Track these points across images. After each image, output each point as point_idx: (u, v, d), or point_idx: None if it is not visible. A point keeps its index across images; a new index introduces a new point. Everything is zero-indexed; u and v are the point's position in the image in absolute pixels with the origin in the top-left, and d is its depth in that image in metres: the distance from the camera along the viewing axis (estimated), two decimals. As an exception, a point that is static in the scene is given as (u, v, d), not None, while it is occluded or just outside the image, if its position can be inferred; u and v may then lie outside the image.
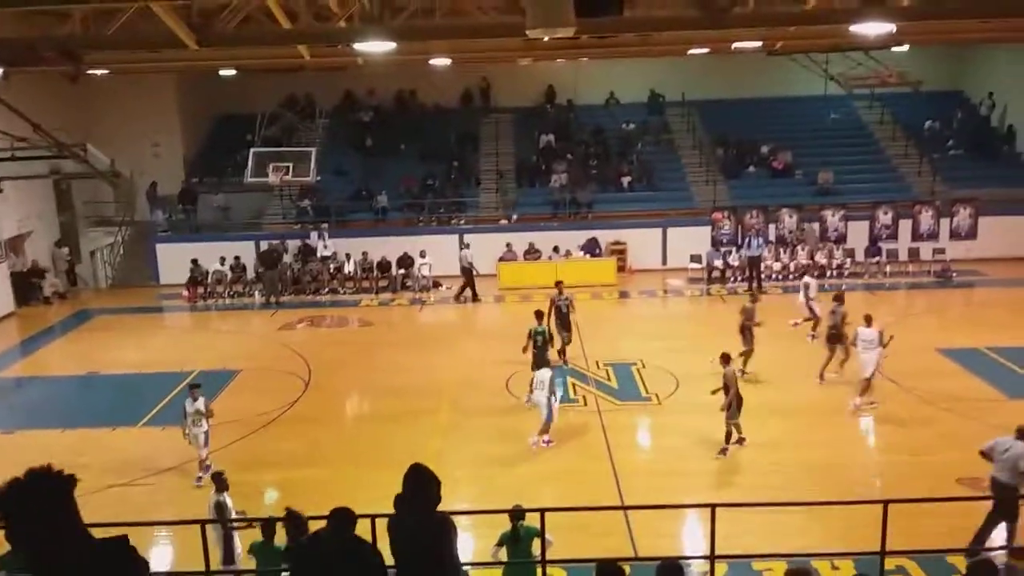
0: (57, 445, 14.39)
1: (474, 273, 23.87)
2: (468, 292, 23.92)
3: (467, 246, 24.63)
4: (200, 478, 12.47)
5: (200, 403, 12.62)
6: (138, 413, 15.78)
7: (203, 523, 8.01)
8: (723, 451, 13.13)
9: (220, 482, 9.93)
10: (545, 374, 13.85)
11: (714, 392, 13.45)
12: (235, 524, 9.51)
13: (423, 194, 28.09)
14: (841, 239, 26.04)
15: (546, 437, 13.64)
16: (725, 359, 13.37)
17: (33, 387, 18.66)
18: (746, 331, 16.39)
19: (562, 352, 17.55)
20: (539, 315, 16.15)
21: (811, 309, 18.74)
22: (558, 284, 18.04)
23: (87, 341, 21.80)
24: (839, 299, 16.35)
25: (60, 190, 26.94)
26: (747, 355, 16.33)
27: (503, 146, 30.64)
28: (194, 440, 12.65)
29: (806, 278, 19.70)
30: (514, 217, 27.21)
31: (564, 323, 17.58)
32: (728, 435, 13.22)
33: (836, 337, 15.92)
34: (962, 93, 31.56)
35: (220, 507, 9.67)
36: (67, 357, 20.67)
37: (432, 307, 23.96)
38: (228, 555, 9.37)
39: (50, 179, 25.05)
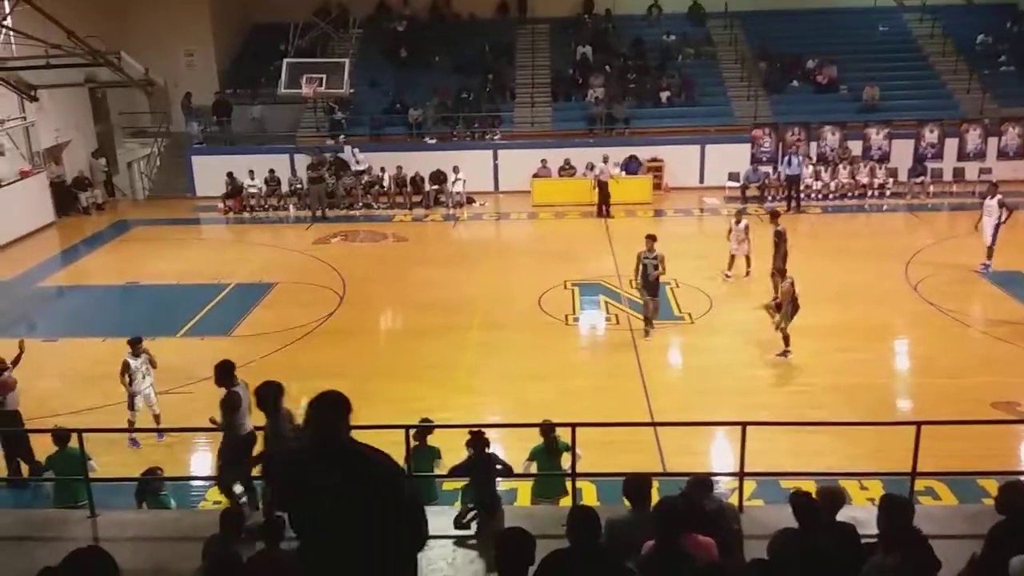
0: (99, 353, 14.74)
1: (609, 188, 23.36)
2: (605, 207, 23.42)
3: (605, 160, 24.00)
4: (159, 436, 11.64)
5: (143, 359, 11.68)
6: (177, 323, 16.08)
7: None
8: (784, 353, 13.66)
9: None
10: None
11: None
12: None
13: (458, 107, 27.71)
14: (884, 158, 25.40)
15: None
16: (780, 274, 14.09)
17: (75, 296, 19.04)
18: None
19: (647, 322, 14.94)
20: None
21: (993, 237, 17.25)
22: (649, 239, 14.61)
23: (126, 252, 22.11)
24: None
25: (96, 100, 26.96)
26: None
27: (539, 58, 29.99)
28: (146, 400, 11.77)
29: (999, 197, 17.32)
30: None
31: (649, 286, 14.60)
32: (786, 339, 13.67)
33: None
34: (1016, 6, 30.11)
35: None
36: (107, 267, 21.01)
37: (465, 223, 23.90)
38: None
39: (85, 88, 25.01)
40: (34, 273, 20.11)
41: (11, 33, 19.99)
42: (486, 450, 7.75)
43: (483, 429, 7.89)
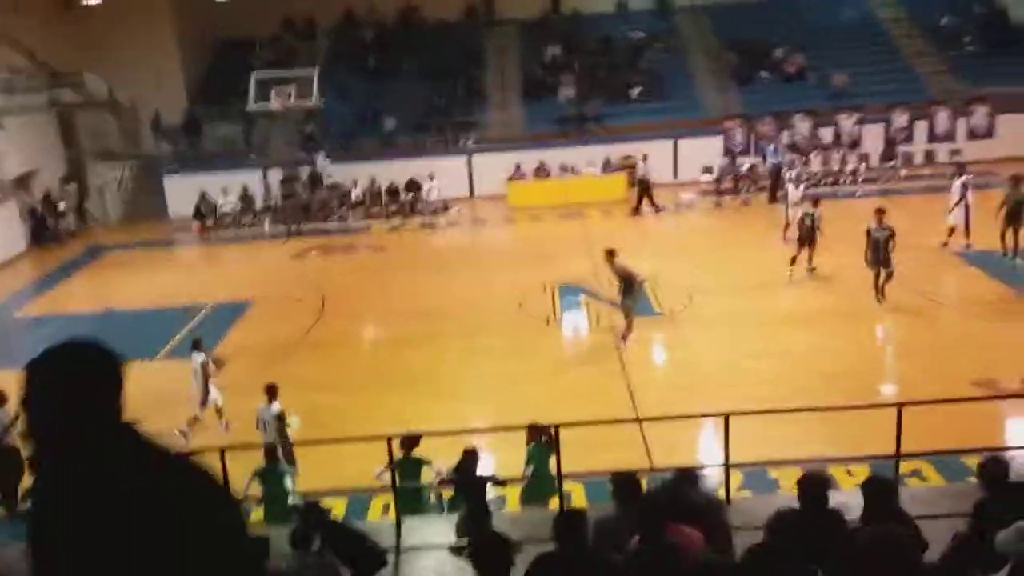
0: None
1: (651, 184, 23.46)
2: (647, 204, 23.32)
3: (645, 158, 24.01)
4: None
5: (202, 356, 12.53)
6: (156, 347, 15.94)
7: (222, 450, 8.10)
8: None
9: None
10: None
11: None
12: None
13: (429, 115, 27.65)
14: (855, 144, 25.56)
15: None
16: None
17: (51, 325, 18.77)
18: None
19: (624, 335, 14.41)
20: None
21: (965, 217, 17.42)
22: (609, 253, 14.39)
23: (101, 277, 21.92)
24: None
25: (64, 124, 26.71)
26: None
27: (509, 60, 30.02)
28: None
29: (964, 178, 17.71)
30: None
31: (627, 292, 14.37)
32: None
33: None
34: (981, -14, 30.46)
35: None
36: (83, 294, 20.82)
37: (443, 230, 23.86)
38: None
39: (53, 115, 24.83)
40: (9, 303, 19.89)
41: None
42: (476, 471, 7.95)
43: (475, 446, 7.99)
